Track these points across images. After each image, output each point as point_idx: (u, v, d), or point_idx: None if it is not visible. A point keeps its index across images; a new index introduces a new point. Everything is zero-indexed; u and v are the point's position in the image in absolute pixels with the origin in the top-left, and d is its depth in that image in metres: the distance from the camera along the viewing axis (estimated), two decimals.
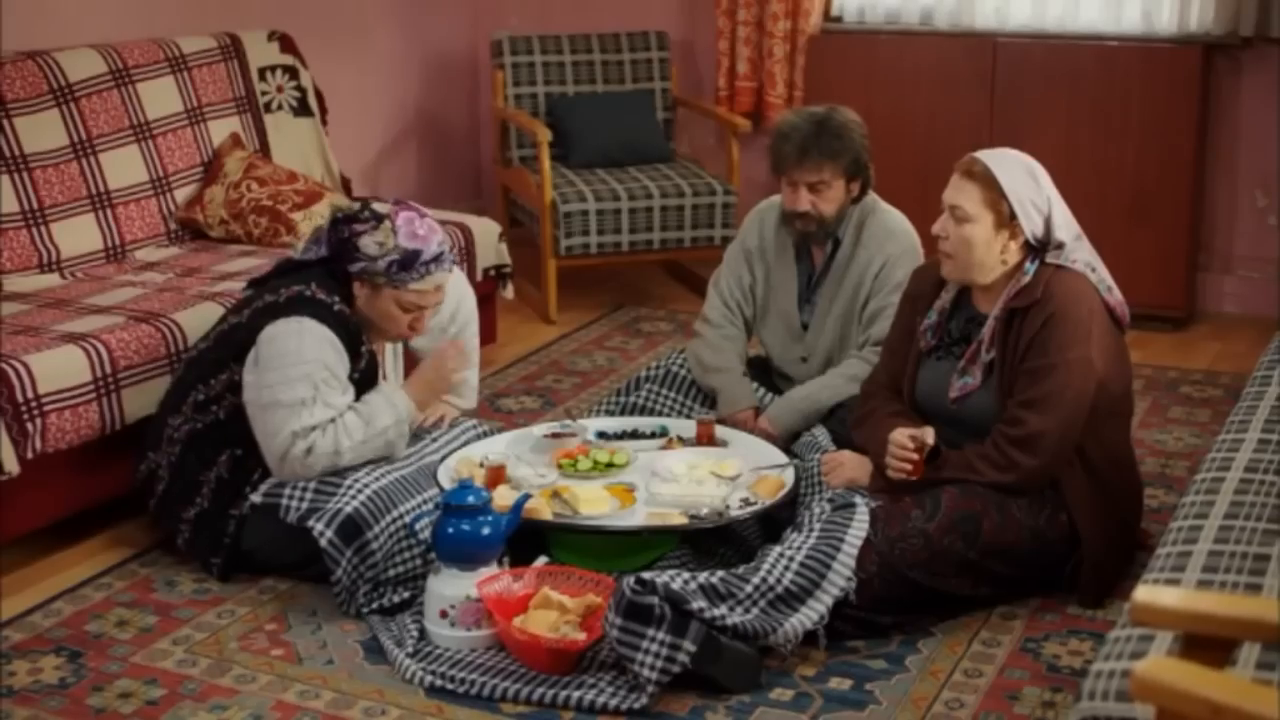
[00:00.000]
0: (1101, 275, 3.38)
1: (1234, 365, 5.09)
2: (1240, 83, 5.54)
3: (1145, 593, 1.82)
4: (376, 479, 3.43)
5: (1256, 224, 5.65)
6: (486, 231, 4.91)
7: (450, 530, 3.18)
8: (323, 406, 3.38)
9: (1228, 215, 5.69)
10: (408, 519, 3.38)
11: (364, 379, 3.53)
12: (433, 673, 3.04)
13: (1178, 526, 2.59)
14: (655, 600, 2.91)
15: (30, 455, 3.46)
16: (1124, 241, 5.43)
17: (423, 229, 3.52)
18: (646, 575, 2.95)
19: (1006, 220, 3.28)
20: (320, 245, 3.55)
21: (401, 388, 3.63)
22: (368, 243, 3.48)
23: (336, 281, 3.52)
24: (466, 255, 4.79)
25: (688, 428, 3.87)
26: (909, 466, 3.28)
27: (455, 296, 3.93)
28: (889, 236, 3.96)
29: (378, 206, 3.57)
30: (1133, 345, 3.86)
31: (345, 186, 5.31)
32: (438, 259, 3.51)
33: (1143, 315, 5.36)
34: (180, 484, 3.53)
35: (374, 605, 3.32)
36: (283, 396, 3.37)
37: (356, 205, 3.59)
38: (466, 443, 3.79)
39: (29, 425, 3.45)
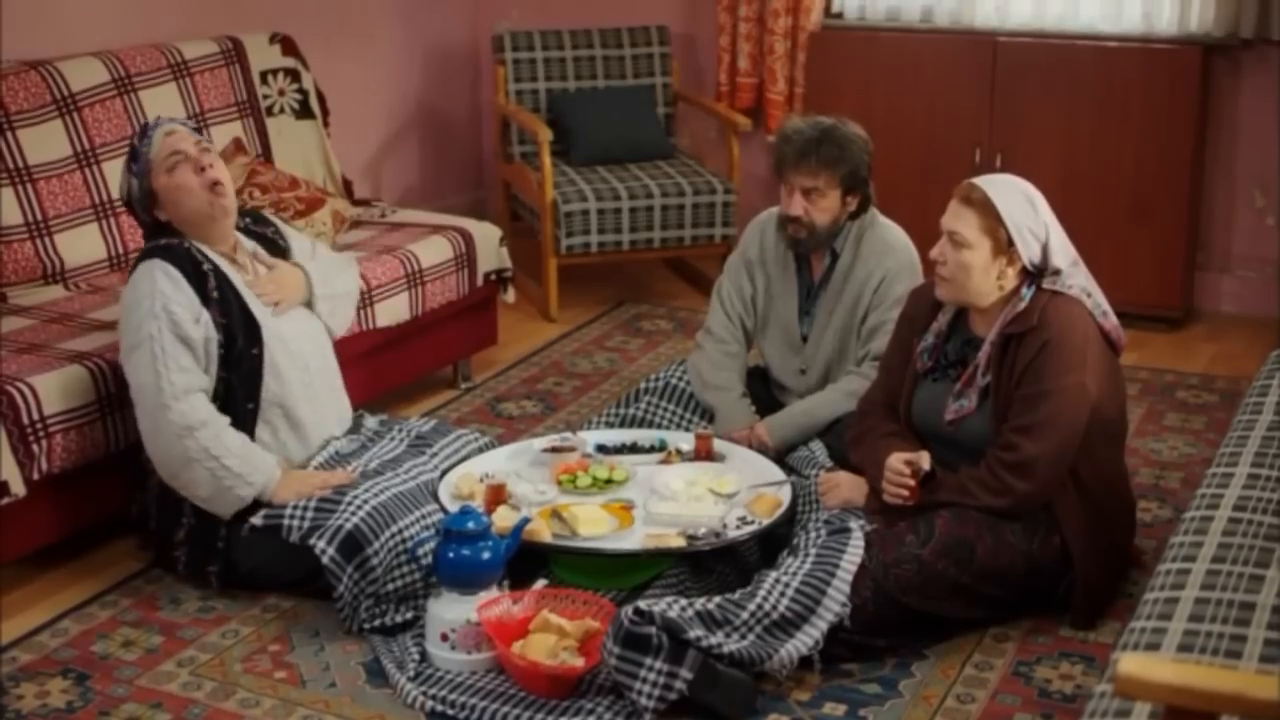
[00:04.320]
0: (1098, 300, 3.41)
1: (1230, 368, 5.13)
2: (1240, 84, 5.55)
3: (1130, 664, 1.85)
4: (375, 495, 3.47)
5: (1255, 224, 5.67)
6: (487, 236, 4.93)
7: (451, 555, 3.22)
8: (172, 339, 3.43)
9: (1226, 215, 5.71)
10: (406, 534, 3.43)
11: (224, 297, 3.54)
12: (433, 697, 3.09)
13: (1165, 569, 2.63)
14: (653, 630, 2.96)
15: (36, 476, 3.50)
16: (1122, 241, 5.46)
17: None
18: (644, 605, 3.00)
19: (1004, 247, 3.31)
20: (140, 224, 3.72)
21: (280, 469, 3.58)
22: (119, 188, 3.71)
23: (155, 223, 3.64)
24: (467, 260, 4.81)
25: (686, 441, 3.91)
26: (905, 493, 3.32)
27: (304, 241, 3.99)
28: (888, 251, 3.98)
29: None
30: (1130, 346, 3.90)
31: (347, 189, 5.33)
32: (144, 130, 3.64)
33: (1140, 315, 5.41)
34: (166, 511, 3.60)
35: (376, 623, 3.37)
36: (133, 339, 3.47)
37: None
38: (467, 456, 3.84)
39: (35, 446, 3.49)
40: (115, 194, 4.47)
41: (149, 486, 3.65)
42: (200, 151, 3.60)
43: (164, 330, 3.44)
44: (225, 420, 3.51)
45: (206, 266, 3.55)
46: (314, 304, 3.81)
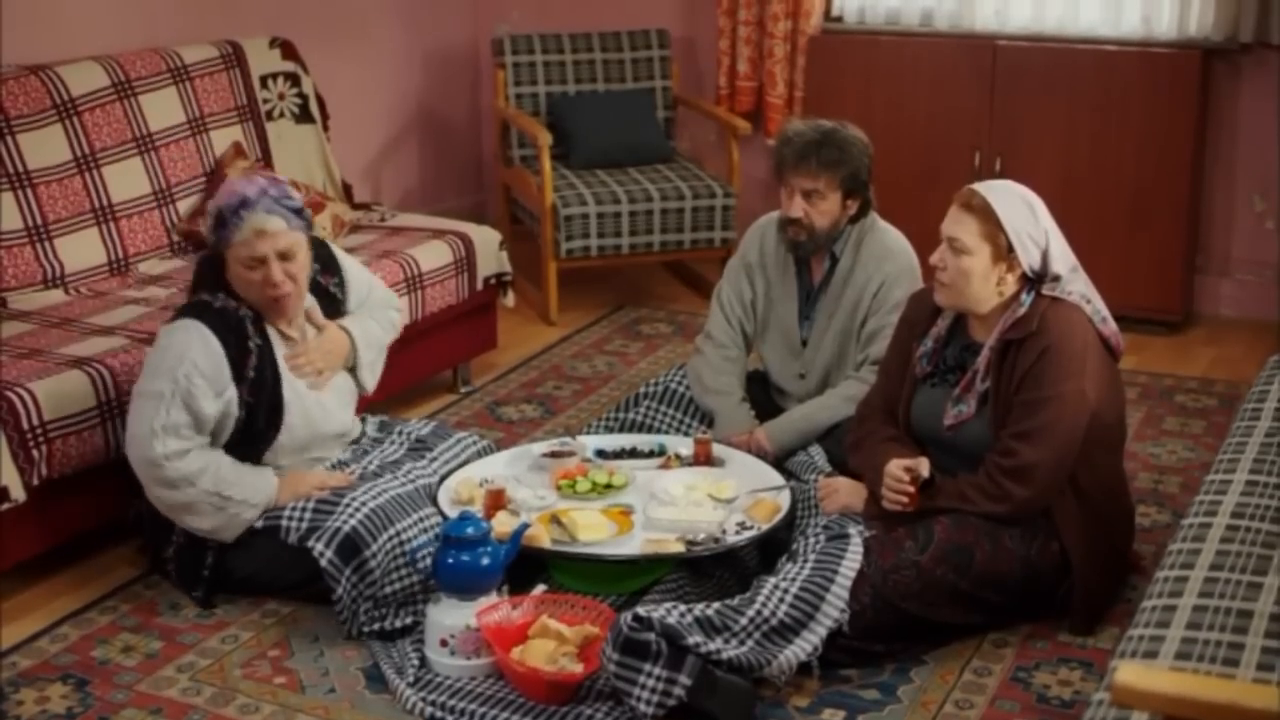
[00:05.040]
0: (1097, 306, 3.41)
1: (1229, 372, 5.13)
2: (1239, 88, 5.56)
3: (1127, 674, 1.86)
4: (374, 497, 3.47)
5: (1254, 227, 5.68)
6: (487, 240, 4.94)
7: (450, 561, 3.23)
8: (180, 407, 3.37)
9: (1225, 219, 5.72)
10: (404, 536, 3.43)
11: (261, 378, 3.49)
12: (432, 703, 3.09)
13: (1163, 577, 2.64)
14: (652, 636, 2.96)
15: (36, 482, 3.51)
16: (1122, 244, 5.47)
17: (238, 185, 3.49)
18: (643, 611, 3.00)
19: (1004, 253, 3.31)
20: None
21: (277, 475, 3.56)
22: (205, 225, 3.53)
23: (220, 273, 3.53)
24: (467, 264, 4.82)
25: (686, 445, 3.91)
26: (905, 499, 3.33)
27: (363, 282, 3.89)
28: (887, 255, 3.99)
29: None
30: (1129, 349, 3.90)
31: (347, 193, 5.33)
32: (243, 203, 3.42)
33: (1139, 318, 5.42)
34: (157, 523, 3.59)
35: (375, 626, 3.37)
36: (146, 387, 3.42)
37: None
38: (466, 460, 3.84)
39: (34, 452, 3.50)
40: (115, 198, 4.50)
41: (142, 495, 3.61)
42: (279, 261, 3.45)
43: (176, 396, 3.37)
44: (218, 454, 3.47)
45: (253, 344, 3.48)
46: (356, 369, 3.77)
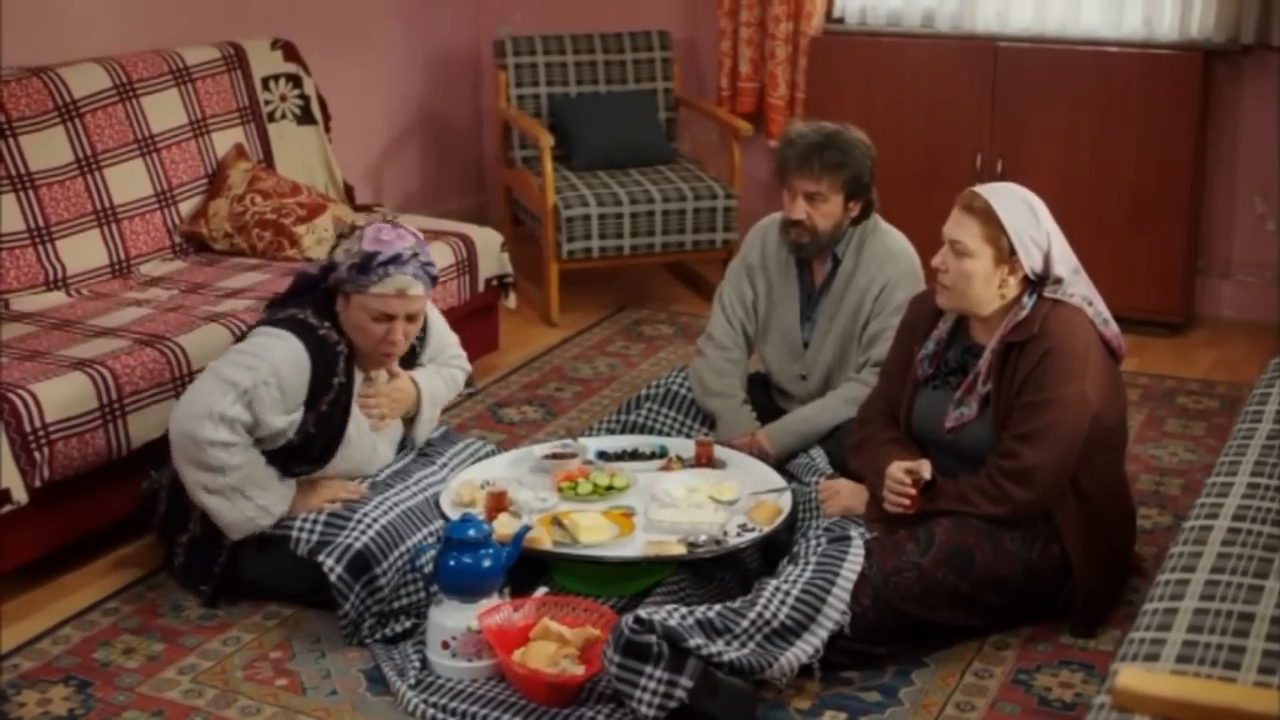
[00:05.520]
0: (1099, 308, 3.41)
1: (1230, 374, 5.14)
2: (1240, 89, 5.56)
3: (1128, 678, 1.86)
4: (385, 512, 3.47)
5: (1255, 229, 5.68)
6: (488, 242, 4.94)
7: (451, 563, 3.23)
8: (245, 406, 3.35)
9: (1226, 220, 5.72)
10: (414, 553, 3.43)
11: (331, 412, 3.49)
12: (434, 705, 3.09)
13: (1165, 579, 2.64)
14: (653, 639, 2.96)
15: (38, 484, 3.51)
16: (1123, 246, 5.47)
17: (388, 235, 3.47)
18: (644, 614, 3.00)
19: (1006, 255, 3.32)
20: (327, 258, 3.59)
21: (306, 483, 3.55)
22: (339, 251, 3.50)
23: (330, 302, 3.53)
24: (469, 265, 4.82)
25: (687, 447, 3.91)
26: (906, 501, 3.33)
27: (442, 337, 3.90)
28: (889, 258, 3.99)
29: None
30: (1130, 351, 3.90)
31: (348, 194, 5.34)
32: (395, 259, 3.42)
33: (1140, 320, 5.41)
34: (175, 506, 3.58)
35: (378, 635, 3.37)
36: (223, 370, 3.39)
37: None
38: (471, 464, 3.84)
39: (36, 454, 3.50)
40: (117, 199, 4.50)
41: (164, 472, 3.60)
42: (405, 324, 3.50)
43: (247, 395, 3.35)
44: (256, 455, 3.44)
45: (338, 380, 3.48)
46: (414, 422, 3.78)
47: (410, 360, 3.76)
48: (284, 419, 3.41)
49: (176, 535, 3.59)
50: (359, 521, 3.41)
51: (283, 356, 3.41)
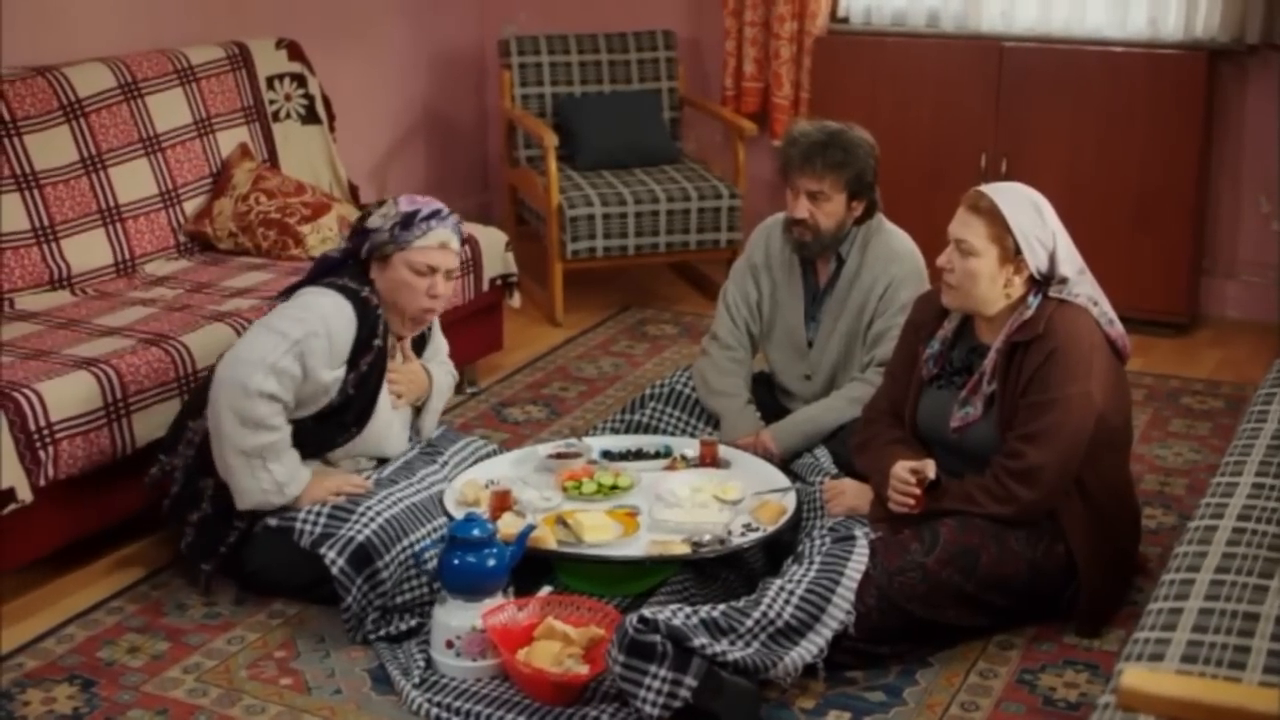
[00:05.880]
0: (1104, 308, 3.41)
1: (1235, 374, 5.13)
2: (1245, 89, 5.55)
3: (1133, 678, 1.86)
4: (388, 507, 3.48)
5: (1260, 229, 5.67)
6: (493, 241, 4.94)
7: (456, 562, 3.23)
8: (296, 358, 3.41)
9: (1231, 220, 5.72)
10: (418, 548, 3.43)
11: (369, 374, 3.57)
12: (438, 704, 3.10)
13: (1169, 579, 2.64)
14: (658, 638, 2.96)
15: (43, 483, 3.51)
16: (1128, 246, 5.47)
17: (421, 199, 3.65)
18: (649, 613, 3.00)
19: (1011, 255, 3.31)
20: (348, 242, 3.69)
21: (315, 473, 3.58)
22: (374, 219, 3.62)
23: (363, 275, 3.62)
24: (473, 264, 4.82)
25: (692, 447, 3.91)
26: (911, 501, 3.32)
27: (440, 336, 3.98)
28: (894, 258, 3.99)
29: None
30: (1135, 351, 3.89)
31: (353, 194, 5.34)
32: (436, 214, 3.60)
33: (1145, 320, 5.41)
34: (189, 488, 3.60)
35: (381, 632, 3.37)
36: (274, 323, 3.48)
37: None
38: (475, 462, 3.84)
39: (41, 453, 3.50)
40: (122, 199, 4.51)
41: (180, 452, 3.62)
42: (446, 279, 3.64)
43: (299, 346, 3.42)
44: (288, 429, 3.49)
45: (377, 343, 3.57)
46: (423, 411, 3.85)
47: (417, 352, 3.83)
48: (331, 373, 3.49)
49: (188, 514, 3.60)
50: (362, 515, 3.42)
51: (331, 310, 3.50)
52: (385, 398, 3.66)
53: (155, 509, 3.71)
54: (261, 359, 3.40)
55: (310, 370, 3.45)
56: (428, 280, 3.59)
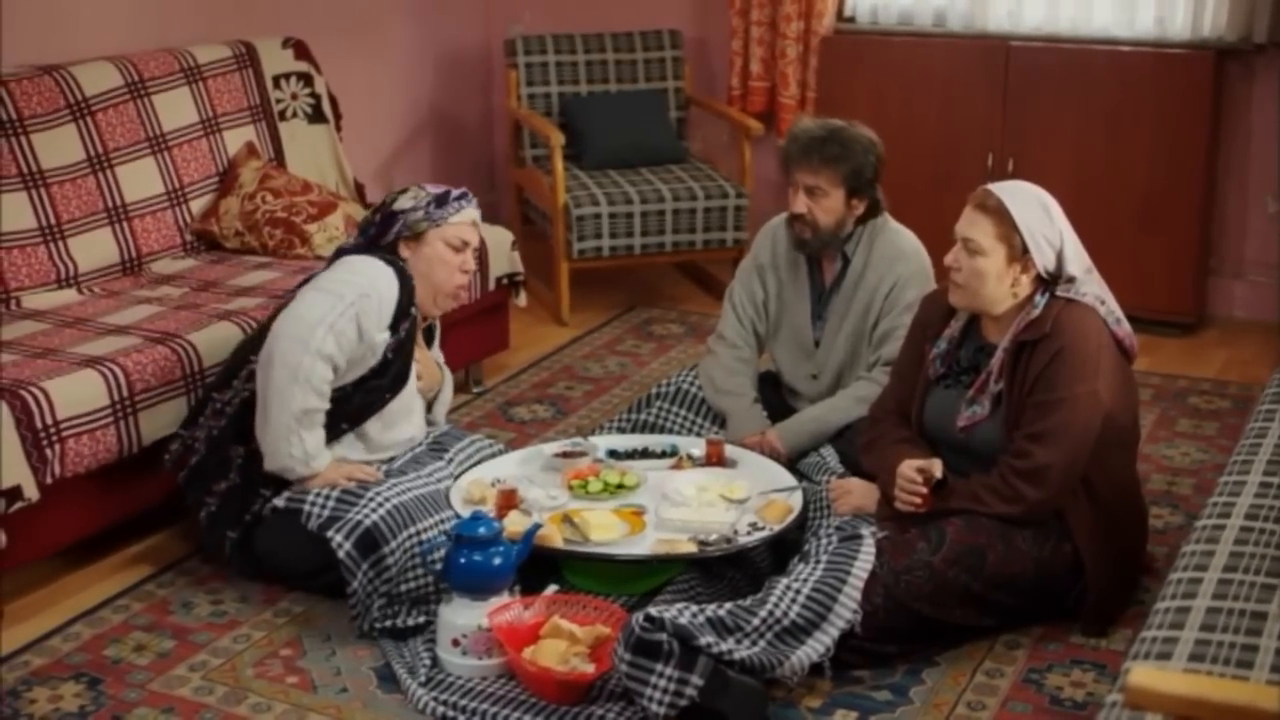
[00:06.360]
0: (1111, 308, 3.41)
1: (1242, 373, 5.13)
2: (1252, 89, 5.54)
3: (1141, 676, 1.86)
4: (397, 494, 3.49)
5: (1267, 229, 5.66)
6: (499, 240, 4.94)
7: (462, 561, 3.23)
8: (352, 319, 3.50)
9: (1238, 220, 5.70)
10: (424, 536, 3.44)
11: (406, 340, 3.65)
12: (444, 703, 3.10)
13: (1177, 578, 2.63)
14: (664, 637, 2.96)
15: (49, 481, 3.51)
16: (1134, 246, 5.46)
17: (441, 186, 3.81)
18: (655, 612, 3.00)
19: (1019, 254, 3.31)
20: (365, 233, 3.75)
21: (334, 459, 3.61)
22: (404, 201, 3.71)
23: (386, 252, 3.69)
24: (479, 264, 4.81)
25: (698, 446, 3.91)
26: (918, 500, 3.32)
27: (438, 338, 4.03)
28: (900, 257, 3.98)
29: None
30: (1142, 351, 3.89)
31: (359, 193, 5.34)
32: (465, 195, 3.76)
33: (1152, 320, 5.40)
34: (216, 456, 3.62)
35: (388, 623, 3.38)
36: (331, 286, 3.56)
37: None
38: (481, 461, 3.84)
39: (48, 451, 3.50)
40: (128, 198, 4.51)
41: (205, 424, 3.64)
42: (474, 255, 3.79)
43: (354, 307, 3.51)
44: (326, 407, 3.54)
45: (413, 309, 3.66)
46: (436, 401, 3.95)
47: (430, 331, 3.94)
48: (381, 334, 3.57)
49: (214, 483, 3.62)
50: (370, 499, 3.44)
51: (377, 273, 3.60)
52: (414, 367, 3.74)
53: (164, 506, 3.72)
54: (321, 318, 3.48)
55: (364, 331, 3.53)
56: (461, 256, 3.71)
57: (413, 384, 3.73)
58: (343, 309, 3.49)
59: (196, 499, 3.66)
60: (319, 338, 3.46)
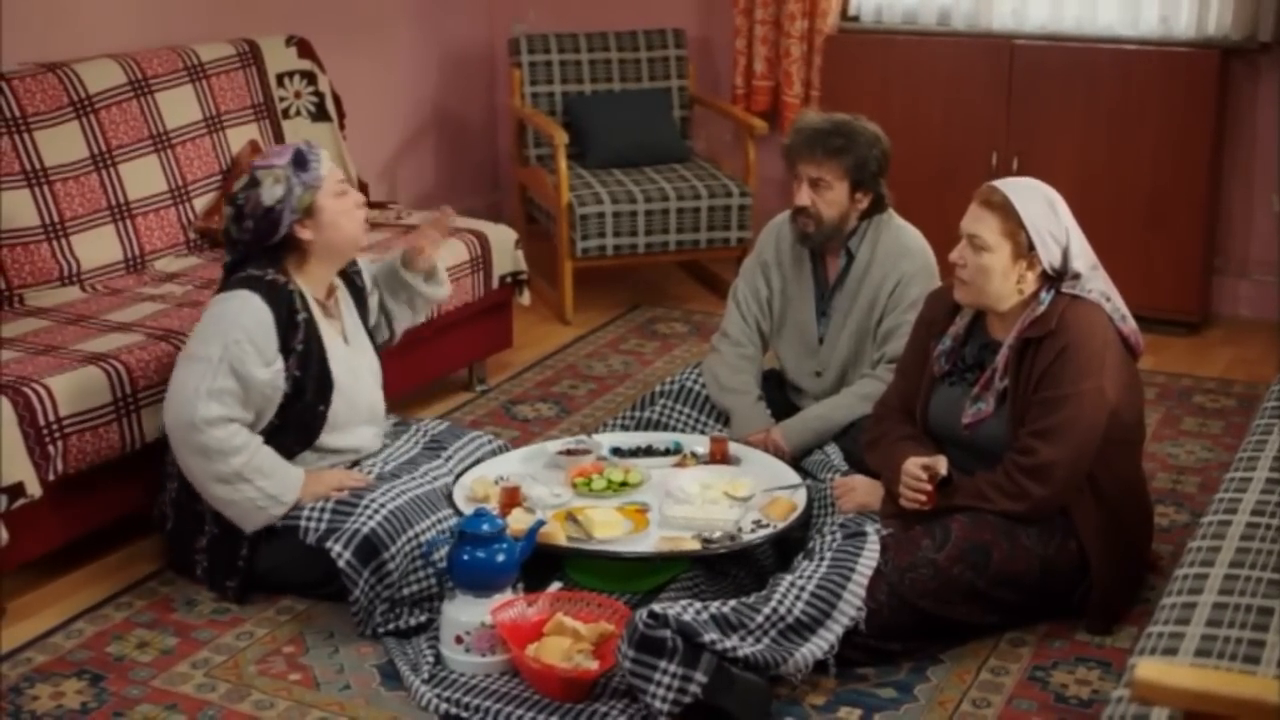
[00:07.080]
0: (1116, 304, 3.40)
1: (1247, 373, 5.11)
2: (1257, 87, 5.54)
3: (1148, 670, 1.85)
4: (392, 498, 3.47)
5: (1272, 228, 5.65)
6: (503, 239, 4.93)
7: (466, 558, 3.22)
8: (228, 373, 3.39)
9: (1243, 219, 5.70)
10: (423, 538, 3.43)
11: (308, 349, 3.54)
12: (448, 700, 3.09)
13: (1182, 574, 2.62)
14: (668, 633, 2.95)
15: (52, 477, 3.51)
16: (1139, 245, 5.45)
17: (275, 147, 3.77)
18: (659, 608, 2.99)
19: (1025, 250, 3.30)
20: (237, 243, 3.59)
21: (310, 472, 3.57)
22: (267, 194, 3.52)
23: (270, 254, 3.56)
24: (483, 262, 4.81)
25: (702, 443, 3.90)
26: (923, 498, 3.31)
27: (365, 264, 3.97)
28: (904, 254, 3.97)
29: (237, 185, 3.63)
30: (1147, 350, 3.88)
31: (363, 191, 5.32)
32: (306, 144, 3.63)
33: (1157, 319, 5.39)
34: (185, 516, 3.60)
35: (390, 626, 3.37)
36: (195, 351, 3.45)
37: (224, 200, 3.77)
38: (480, 459, 3.84)
39: (50, 448, 3.49)
40: (132, 195, 4.51)
41: (167, 488, 3.65)
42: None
43: (225, 361, 3.40)
44: (259, 441, 3.48)
45: (301, 317, 3.53)
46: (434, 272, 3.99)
47: (360, 297, 3.85)
48: (267, 370, 3.46)
49: (194, 542, 3.60)
50: (366, 507, 3.41)
51: (241, 311, 3.46)
52: (339, 360, 3.63)
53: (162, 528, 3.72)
54: (195, 389, 3.39)
55: (247, 376, 3.42)
56: (349, 196, 3.62)
57: (344, 375, 3.63)
58: (214, 368, 3.39)
59: (186, 561, 3.65)
60: (202, 409, 3.38)
